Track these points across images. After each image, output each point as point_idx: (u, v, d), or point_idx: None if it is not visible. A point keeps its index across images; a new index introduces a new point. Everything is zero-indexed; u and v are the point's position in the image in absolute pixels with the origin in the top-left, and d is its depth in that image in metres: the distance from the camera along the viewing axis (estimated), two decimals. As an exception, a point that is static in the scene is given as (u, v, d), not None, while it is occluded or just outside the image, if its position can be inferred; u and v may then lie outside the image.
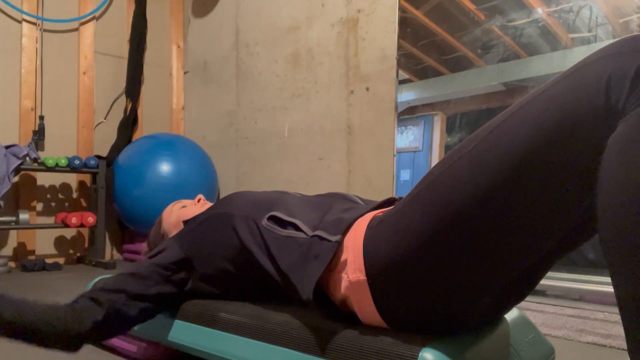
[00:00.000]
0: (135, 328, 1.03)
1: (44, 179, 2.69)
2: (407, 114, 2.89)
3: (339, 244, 0.74)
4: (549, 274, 0.77)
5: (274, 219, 0.85)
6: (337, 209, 0.84)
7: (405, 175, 2.96)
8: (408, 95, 2.80)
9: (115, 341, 1.10)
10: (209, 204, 1.13)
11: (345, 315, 0.78)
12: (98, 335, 0.83)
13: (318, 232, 0.77)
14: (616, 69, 0.51)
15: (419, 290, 0.67)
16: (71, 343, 0.79)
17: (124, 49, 3.02)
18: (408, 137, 2.99)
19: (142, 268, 0.91)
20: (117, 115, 2.97)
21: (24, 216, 2.38)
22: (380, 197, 2.15)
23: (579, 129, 0.53)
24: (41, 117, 2.62)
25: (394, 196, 0.89)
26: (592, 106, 0.52)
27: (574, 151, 0.54)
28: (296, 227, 0.81)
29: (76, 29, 2.82)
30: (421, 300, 0.68)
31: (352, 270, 0.72)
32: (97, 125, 2.90)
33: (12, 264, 2.52)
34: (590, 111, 0.52)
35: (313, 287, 0.72)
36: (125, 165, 2.63)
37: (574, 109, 0.53)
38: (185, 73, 3.30)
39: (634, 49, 0.51)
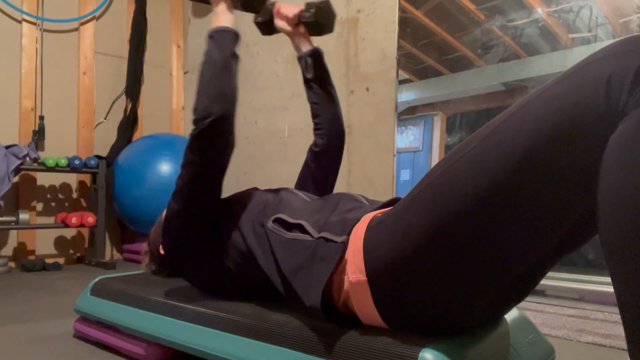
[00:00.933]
0: (137, 327, 1.03)
1: (44, 179, 2.69)
2: (407, 114, 2.89)
3: (345, 245, 0.74)
4: (549, 274, 0.77)
5: (279, 221, 0.85)
6: (341, 209, 0.84)
7: (405, 175, 2.96)
8: (408, 95, 2.80)
9: (116, 341, 1.10)
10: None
11: (345, 317, 0.78)
12: (227, 131, 0.88)
13: (324, 234, 0.77)
14: (617, 69, 0.51)
15: (419, 290, 0.67)
16: (223, 103, 0.87)
17: (124, 49, 3.02)
18: (408, 137, 2.99)
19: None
20: (117, 115, 2.97)
21: (24, 216, 2.38)
22: (380, 197, 2.15)
23: (579, 129, 0.53)
24: (41, 117, 2.62)
25: (398, 196, 0.89)
26: (592, 106, 0.52)
27: (574, 151, 0.54)
28: (302, 229, 0.81)
29: (76, 29, 2.82)
30: (421, 300, 0.68)
31: (352, 270, 0.72)
32: (97, 125, 2.90)
33: (12, 264, 2.51)
34: (591, 111, 0.52)
35: (321, 291, 0.72)
36: (125, 165, 2.63)
37: (575, 109, 0.53)
38: (185, 73, 3.30)
39: (634, 49, 0.51)
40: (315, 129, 1.17)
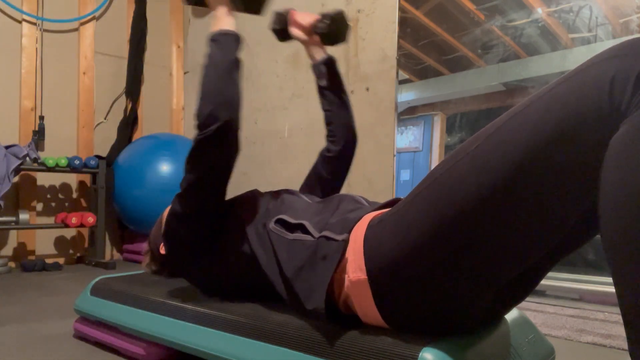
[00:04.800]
0: (137, 327, 1.03)
1: (44, 179, 2.69)
2: (407, 114, 2.89)
3: (346, 243, 0.75)
4: (549, 274, 0.77)
5: (281, 222, 0.85)
6: (342, 210, 0.84)
7: (405, 175, 2.96)
8: (408, 95, 2.80)
9: (116, 341, 1.10)
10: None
11: (346, 317, 0.78)
12: (232, 138, 0.87)
13: (324, 233, 0.77)
14: (619, 71, 0.51)
15: (420, 290, 0.67)
16: (233, 117, 0.86)
17: (124, 49, 3.02)
18: (408, 137, 2.99)
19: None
20: (117, 115, 2.97)
21: (24, 216, 2.38)
22: (380, 197, 2.15)
23: (582, 130, 0.53)
24: (41, 117, 2.62)
25: (398, 197, 0.89)
26: (595, 107, 0.52)
27: (576, 152, 0.54)
28: (303, 230, 0.81)
29: (76, 29, 2.82)
30: (421, 300, 0.68)
31: (353, 269, 0.72)
32: (97, 125, 2.90)
33: (12, 264, 2.51)
34: (593, 112, 0.52)
35: (325, 292, 0.72)
36: (125, 165, 2.63)
37: (577, 110, 0.53)
38: (185, 73, 3.30)
39: (637, 51, 0.51)
40: (329, 136, 1.18)
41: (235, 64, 0.91)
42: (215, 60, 0.90)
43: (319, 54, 1.15)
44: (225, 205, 0.97)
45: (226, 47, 0.91)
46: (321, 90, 1.17)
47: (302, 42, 1.16)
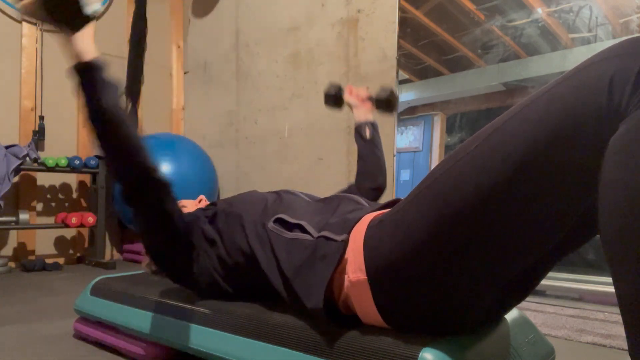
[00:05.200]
0: (137, 327, 1.03)
1: (44, 179, 2.69)
2: (407, 114, 2.89)
3: (346, 244, 0.75)
4: (549, 274, 0.77)
5: (280, 222, 0.85)
6: (342, 211, 0.84)
7: (405, 175, 2.96)
8: (408, 95, 2.80)
9: (116, 341, 1.10)
10: (210, 205, 1.14)
11: (346, 317, 0.78)
12: (152, 186, 0.86)
13: (324, 233, 0.77)
14: (619, 70, 0.51)
15: (420, 290, 0.67)
16: (137, 174, 0.84)
17: (124, 49, 3.02)
18: (408, 137, 2.99)
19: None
20: (117, 115, 2.97)
21: (24, 216, 2.38)
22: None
23: (581, 130, 0.53)
24: (41, 117, 2.62)
25: (398, 197, 0.89)
26: (594, 107, 0.52)
27: (575, 152, 0.54)
28: (302, 229, 0.81)
29: (76, 29, 2.82)
30: (421, 300, 0.68)
31: (353, 269, 0.72)
32: (97, 125, 2.90)
33: (12, 264, 2.51)
34: (593, 112, 0.52)
35: (324, 290, 0.72)
36: (125, 165, 2.62)
37: (576, 109, 0.53)
38: (185, 73, 3.30)
39: (637, 50, 0.51)
40: (363, 174, 1.32)
41: (110, 103, 0.80)
42: (90, 110, 0.80)
43: (368, 117, 1.36)
44: (221, 207, 0.98)
45: (91, 88, 0.81)
46: (363, 140, 1.34)
47: (354, 106, 1.37)
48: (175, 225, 0.91)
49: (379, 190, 1.32)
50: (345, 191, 1.29)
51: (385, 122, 2.16)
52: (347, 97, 1.38)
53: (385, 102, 1.35)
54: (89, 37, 0.81)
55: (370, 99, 1.37)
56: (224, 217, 0.94)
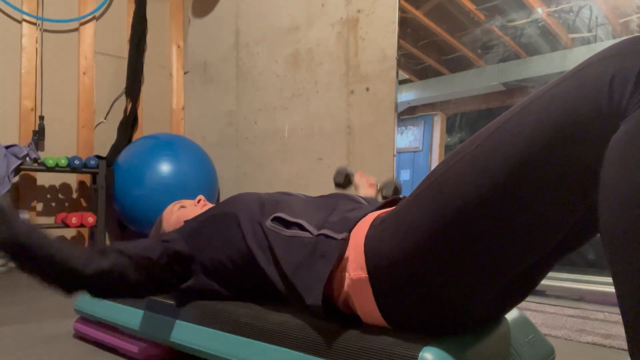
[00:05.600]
0: (137, 327, 1.03)
1: (44, 179, 2.69)
2: (407, 114, 2.88)
3: (346, 242, 0.75)
4: (549, 274, 0.77)
5: (278, 220, 0.85)
6: (341, 209, 0.84)
7: (405, 175, 2.96)
8: (408, 95, 2.79)
9: (116, 341, 1.10)
10: (209, 205, 1.13)
11: (346, 316, 0.78)
12: (96, 284, 0.81)
13: (323, 231, 0.77)
14: (619, 69, 0.51)
15: (420, 289, 0.67)
16: (71, 282, 0.79)
17: (124, 49, 3.02)
18: (408, 137, 2.99)
19: (149, 241, 0.91)
20: (117, 115, 2.97)
21: (24, 216, 2.38)
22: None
23: (581, 129, 0.53)
24: (41, 117, 2.62)
25: (397, 196, 0.89)
26: (594, 106, 0.52)
27: (575, 151, 0.54)
28: (301, 227, 0.81)
29: (76, 29, 2.82)
30: (422, 299, 0.68)
31: (354, 268, 0.72)
32: (97, 125, 2.90)
33: (12, 264, 2.51)
34: (593, 111, 0.52)
35: (322, 288, 0.72)
36: (125, 165, 2.63)
37: (577, 109, 0.53)
38: (185, 73, 3.30)
39: (637, 50, 0.51)
40: None
41: (16, 243, 0.75)
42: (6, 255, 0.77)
43: (371, 193, 1.39)
44: (208, 212, 0.98)
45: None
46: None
47: (361, 186, 1.42)
48: (151, 277, 0.88)
49: None
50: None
51: (386, 122, 2.16)
52: (357, 178, 1.45)
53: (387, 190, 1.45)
54: None
55: (377, 187, 1.45)
56: (219, 219, 0.94)
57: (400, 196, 0.87)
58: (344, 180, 1.45)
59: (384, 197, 1.42)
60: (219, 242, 0.92)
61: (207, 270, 0.94)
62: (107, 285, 0.83)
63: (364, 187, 1.41)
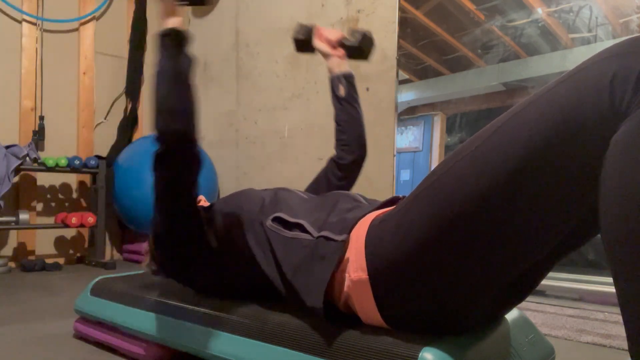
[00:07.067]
0: (137, 327, 1.03)
1: (44, 179, 2.69)
2: (407, 114, 2.88)
3: (346, 244, 0.74)
4: (549, 274, 0.77)
5: (278, 220, 0.85)
6: (341, 209, 0.84)
7: (405, 175, 2.96)
8: (408, 95, 2.80)
9: (116, 341, 1.10)
10: (209, 205, 1.13)
11: (346, 317, 0.78)
12: (188, 152, 0.86)
13: (324, 233, 0.77)
14: (620, 69, 0.51)
15: (420, 289, 0.67)
16: (188, 131, 0.85)
17: (124, 49, 3.02)
18: (408, 137, 2.99)
19: None
20: (117, 115, 2.97)
21: (24, 216, 2.38)
22: (380, 198, 2.15)
23: (582, 130, 0.53)
24: (41, 117, 2.62)
25: (397, 196, 0.89)
26: (595, 107, 0.52)
27: (576, 151, 0.54)
28: (302, 228, 0.81)
29: (76, 29, 2.82)
30: (422, 299, 0.68)
31: (354, 269, 0.72)
32: (97, 125, 2.90)
33: (12, 264, 2.51)
34: (594, 112, 0.52)
35: (324, 290, 0.72)
36: (125, 165, 2.63)
37: (577, 109, 0.53)
38: (185, 73, 3.30)
39: (637, 50, 0.51)
40: (341, 145, 1.22)
41: (182, 69, 0.87)
42: (163, 68, 0.86)
43: (341, 67, 1.20)
44: (217, 206, 0.97)
45: (171, 50, 0.87)
46: (338, 100, 1.20)
47: (324, 54, 1.21)
48: (188, 201, 0.89)
49: (357, 163, 1.23)
50: (325, 169, 1.24)
51: (386, 122, 2.16)
52: (316, 43, 1.20)
53: (357, 49, 1.17)
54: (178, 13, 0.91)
55: (342, 44, 1.18)
56: (221, 217, 0.94)
57: (400, 196, 0.87)
58: (305, 42, 1.21)
59: (351, 47, 1.17)
60: (226, 232, 0.92)
61: (210, 265, 0.94)
62: (182, 161, 0.86)
63: (330, 57, 1.19)
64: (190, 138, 0.86)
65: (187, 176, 0.87)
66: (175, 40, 0.87)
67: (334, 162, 1.23)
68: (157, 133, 0.84)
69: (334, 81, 1.20)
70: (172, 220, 0.89)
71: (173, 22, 0.88)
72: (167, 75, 0.86)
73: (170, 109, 0.84)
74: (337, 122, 1.22)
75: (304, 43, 1.22)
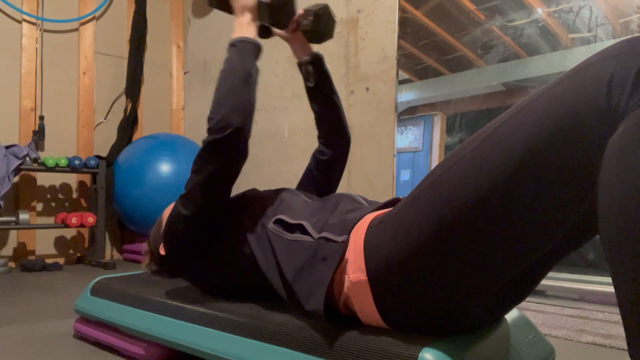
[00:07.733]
0: (137, 327, 1.03)
1: (44, 179, 2.69)
2: (407, 114, 2.88)
3: (346, 244, 0.74)
4: (549, 274, 0.77)
5: (280, 223, 0.85)
6: (341, 210, 0.84)
7: (405, 175, 2.95)
8: (408, 95, 2.79)
9: (116, 341, 1.10)
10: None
11: (345, 317, 0.78)
12: (238, 145, 0.88)
13: (324, 234, 0.77)
14: (618, 70, 0.51)
15: (420, 290, 0.67)
16: (243, 127, 0.87)
17: (124, 49, 3.02)
18: (408, 137, 2.98)
19: None
20: (117, 115, 2.97)
21: (24, 216, 2.38)
22: (380, 198, 2.15)
23: (580, 130, 0.53)
24: (41, 117, 2.62)
25: (397, 197, 0.89)
26: (593, 107, 0.52)
27: (574, 152, 0.54)
28: (302, 230, 0.81)
29: (76, 29, 2.82)
30: (421, 300, 0.68)
31: (353, 270, 0.72)
32: (97, 125, 2.90)
33: (12, 264, 2.51)
34: (592, 112, 0.52)
35: (324, 291, 0.72)
36: (125, 165, 2.63)
37: (575, 109, 0.53)
38: (185, 73, 3.30)
39: (636, 50, 0.51)
40: (320, 138, 1.16)
41: (252, 72, 0.93)
42: (233, 66, 0.92)
43: (305, 52, 1.11)
44: (228, 207, 0.97)
45: (245, 54, 0.93)
46: (309, 90, 1.13)
47: (285, 39, 1.13)
48: (225, 191, 0.91)
49: (338, 156, 1.14)
50: (309, 164, 1.18)
51: (386, 122, 2.16)
52: (274, 28, 1.12)
53: (312, 33, 1.04)
54: (254, 27, 1.00)
55: (299, 27, 1.07)
56: (223, 219, 0.94)
57: (400, 197, 0.87)
58: (261, 24, 1.04)
59: (306, 32, 1.07)
60: (223, 238, 0.92)
61: (212, 264, 0.94)
62: (235, 146, 0.87)
63: (291, 41, 1.12)
64: (245, 134, 0.88)
65: (233, 168, 0.90)
66: (253, 50, 0.95)
67: (315, 156, 1.17)
68: (215, 122, 0.86)
69: (301, 70, 1.12)
70: (202, 207, 0.90)
71: (251, 33, 0.98)
72: (238, 74, 0.90)
73: (234, 102, 0.87)
74: (314, 114, 1.15)
75: (263, 29, 1.10)
